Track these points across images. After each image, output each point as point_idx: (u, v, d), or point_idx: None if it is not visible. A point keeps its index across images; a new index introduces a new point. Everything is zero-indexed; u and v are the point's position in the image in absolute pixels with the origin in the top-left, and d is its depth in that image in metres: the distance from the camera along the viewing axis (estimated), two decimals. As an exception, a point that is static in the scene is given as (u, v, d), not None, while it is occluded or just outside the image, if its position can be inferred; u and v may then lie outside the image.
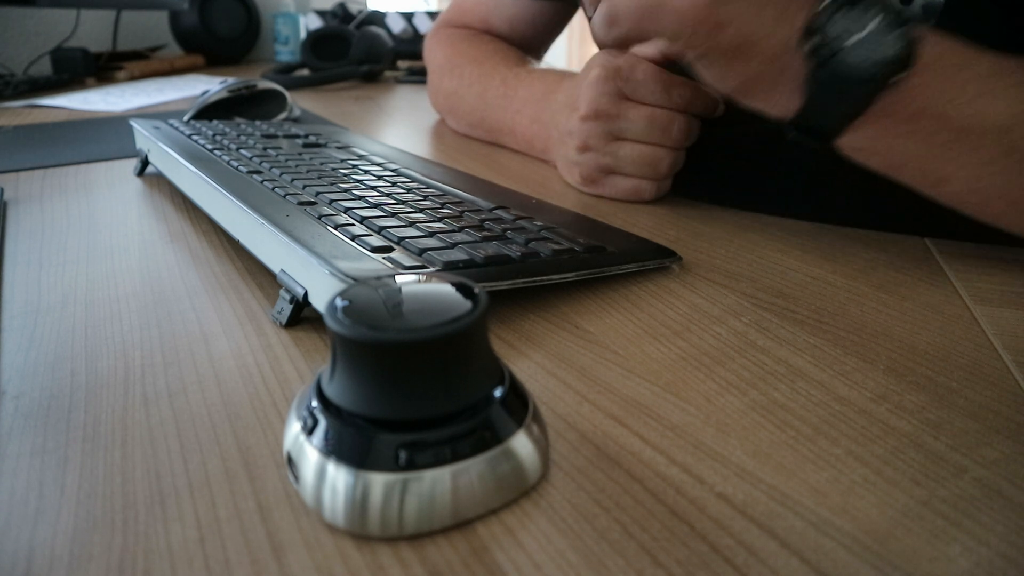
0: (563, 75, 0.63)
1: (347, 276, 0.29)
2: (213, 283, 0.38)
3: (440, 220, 0.39)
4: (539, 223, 0.40)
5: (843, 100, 0.35)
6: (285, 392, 0.28)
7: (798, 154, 0.53)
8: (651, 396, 0.28)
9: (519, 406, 0.23)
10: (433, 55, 0.82)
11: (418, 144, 0.75)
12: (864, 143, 0.38)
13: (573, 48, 2.93)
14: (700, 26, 0.37)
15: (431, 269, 0.32)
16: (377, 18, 1.53)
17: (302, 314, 0.33)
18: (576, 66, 2.91)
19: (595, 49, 0.72)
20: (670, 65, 0.53)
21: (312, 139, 0.60)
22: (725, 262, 0.41)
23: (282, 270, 0.34)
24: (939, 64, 0.35)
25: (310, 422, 0.21)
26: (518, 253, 0.35)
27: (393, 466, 0.20)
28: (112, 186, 0.57)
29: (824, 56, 0.32)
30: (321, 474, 0.20)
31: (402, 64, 1.44)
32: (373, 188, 0.45)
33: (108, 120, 0.86)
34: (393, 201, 0.42)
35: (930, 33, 0.35)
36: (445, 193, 0.45)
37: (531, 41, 0.82)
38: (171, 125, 0.61)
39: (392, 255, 0.33)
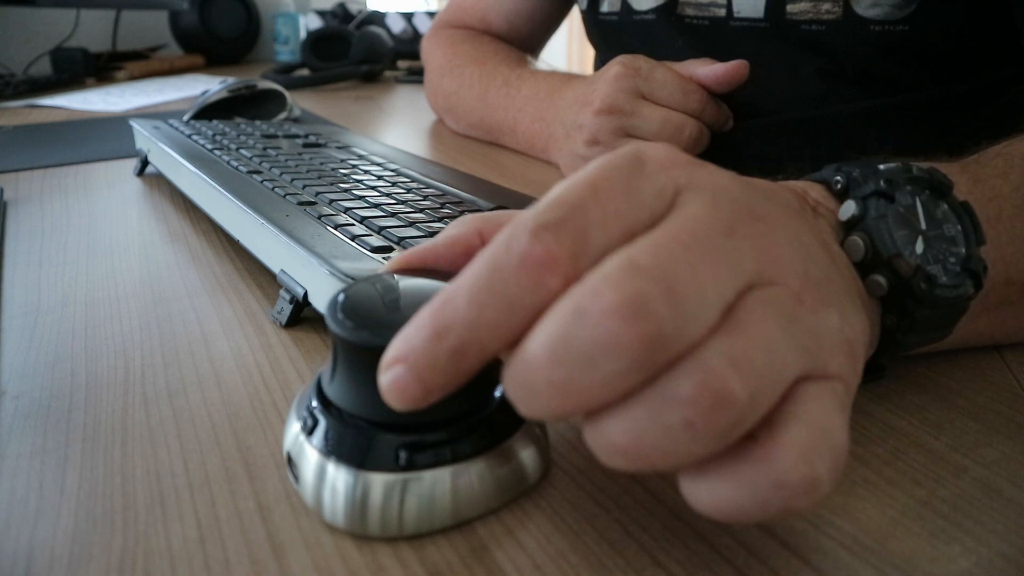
0: (569, 76, 0.64)
1: (347, 276, 0.29)
2: (213, 283, 0.38)
3: (440, 220, 0.39)
4: (539, 223, 0.40)
5: (923, 342, 0.26)
6: (285, 392, 0.28)
7: (798, 148, 0.53)
8: (651, 396, 0.28)
9: (519, 406, 0.22)
10: (432, 55, 0.82)
11: (418, 144, 0.75)
12: (948, 342, 0.29)
13: (573, 48, 2.93)
14: None
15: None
16: (377, 18, 1.53)
17: (302, 314, 0.33)
18: (575, 66, 2.88)
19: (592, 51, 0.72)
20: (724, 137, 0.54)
21: (312, 139, 0.60)
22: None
23: (282, 270, 0.34)
24: (998, 255, 0.28)
25: (310, 422, 0.21)
26: (518, 253, 0.35)
27: (393, 466, 0.20)
28: (112, 186, 0.57)
29: (904, 330, 0.25)
30: (321, 474, 0.20)
31: (402, 64, 1.44)
32: (373, 188, 0.45)
33: (108, 120, 0.86)
34: (393, 201, 0.42)
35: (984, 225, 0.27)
36: (445, 193, 0.45)
37: (528, 38, 0.82)
38: (171, 125, 0.61)
39: (392, 255, 0.33)
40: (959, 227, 0.25)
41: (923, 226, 0.25)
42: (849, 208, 0.24)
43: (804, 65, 0.54)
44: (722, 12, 0.57)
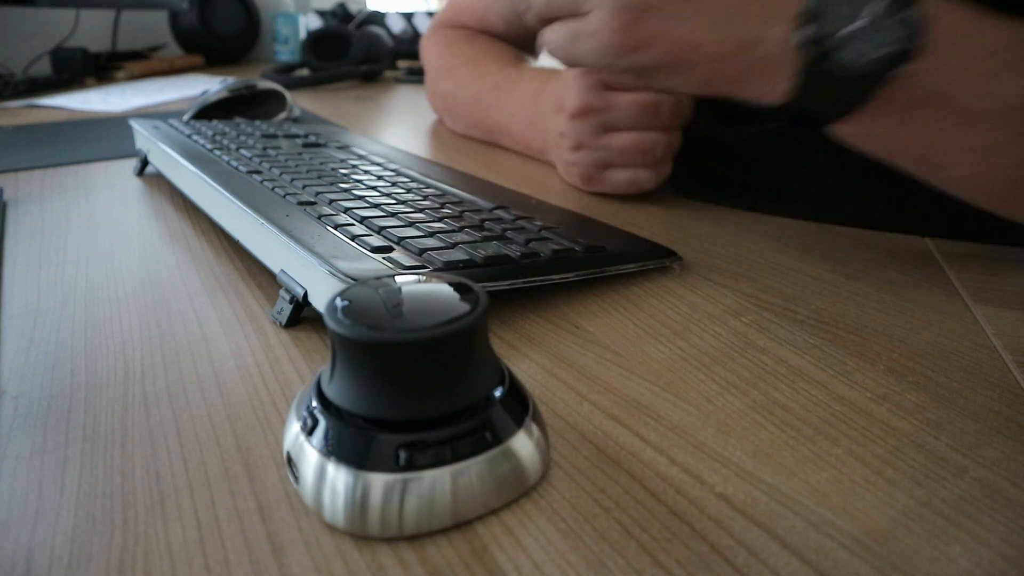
0: (549, 75, 0.63)
1: (347, 276, 0.29)
2: (213, 283, 0.38)
3: (440, 220, 0.39)
4: (539, 223, 0.40)
5: (837, 95, 0.32)
6: (285, 392, 0.28)
7: (798, 154, 0.53)
8: (651, 396, 0.28)
9: (519, 406, 0.22)
10: (430, 56, 0.82)
11: (418, 144, 0.75)
12: (859, 130, 0.36)
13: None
14: (620, 49, 0.36)
15: (431, 269, 0.32)
16: (377, 18, 1.53)
17: (302, 314, 0.33)
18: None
19: None
20: None
21: (312, 139, 0.60)
22: (725, 262, 0.41)
23: (282, 270, 0.34)
24: (946, 44, 0.31)
25: (310, 422, 0.21)
26: (518, 253, 0.35)
27: (393, 466, 0.20)
28: (112, 186, 0.57)
29: (817, 54, 0.28)
30: (321, 474, 0.20)
31: (402, 64, 1.44)
32: (373, 188, 0.45)
33: (108, 120, 0.86)
34: (393, 201, 0.42)
35: (937, 5, 0.32)
36: (445, 193, 0.45)
37: (527, 38, 0.82)
38: (171, 125, 0.61)
39: (392, 255, 0.33)
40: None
41: None
42: None
43: None
44: None
